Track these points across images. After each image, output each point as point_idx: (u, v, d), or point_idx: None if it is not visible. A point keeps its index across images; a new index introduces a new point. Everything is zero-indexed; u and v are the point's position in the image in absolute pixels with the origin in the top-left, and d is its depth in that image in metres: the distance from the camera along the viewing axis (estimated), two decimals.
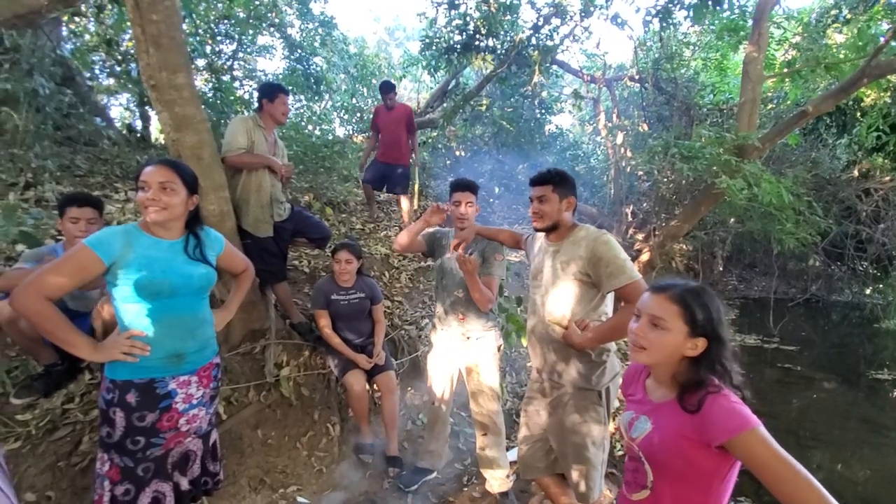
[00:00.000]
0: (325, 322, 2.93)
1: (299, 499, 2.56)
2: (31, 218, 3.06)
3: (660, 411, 1.19)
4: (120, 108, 6.75)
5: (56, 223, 2.66)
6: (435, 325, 2.69)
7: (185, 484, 1.71)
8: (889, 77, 6.33)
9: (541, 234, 2.14)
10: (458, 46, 6.92)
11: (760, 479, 1.01)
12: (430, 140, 7.81)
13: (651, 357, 1.18)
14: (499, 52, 7.02)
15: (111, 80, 6.06)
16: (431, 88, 10.60)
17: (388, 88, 5.22)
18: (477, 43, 6.90)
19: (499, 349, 2.57)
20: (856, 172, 7.93)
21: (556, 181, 1.96)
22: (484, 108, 7.68)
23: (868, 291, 8.89)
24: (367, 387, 2.88)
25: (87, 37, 6.10)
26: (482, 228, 2.51)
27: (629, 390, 1.35)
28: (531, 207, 2.02)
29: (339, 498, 2.63)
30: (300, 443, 2.84)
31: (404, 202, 5.40)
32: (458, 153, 7.57)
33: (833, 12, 8.14)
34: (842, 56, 6.74)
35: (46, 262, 2.22)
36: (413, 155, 5.44)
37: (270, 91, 2.99)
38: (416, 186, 5.77)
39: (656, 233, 6.88)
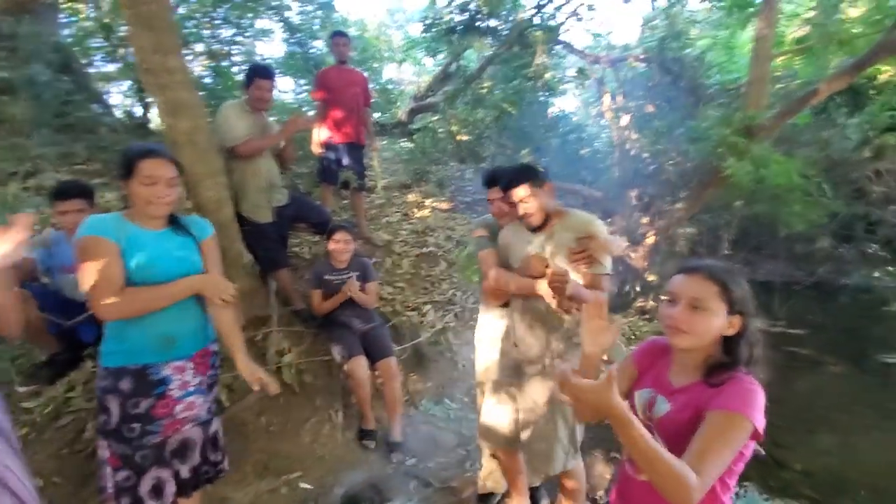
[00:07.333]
0: (317, 299, 2.97)
1: (302, 485, 2.58)
2: (29, 208, 3.05)
3: (682, 393, 1.17)
4: (120, 95, 6.69)
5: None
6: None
7: (185, 472, 1.71)
8: None
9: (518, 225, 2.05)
10: (460, 27, 6.78)
11: (688, 446, 1.03)
12: (430, 125, 7.71)
13: (693, 340, 1.13)
14: (501, 32, 6.87)
15: (110, 67, 6.00)
16: (432, 72, 10.45)
17: (341, 34, 4.12)
18: (478, 24, 6.75)
19: None
20: (867, 153, 7.77)
21: (530, 175, 1.89)
22: (486, 91, 7.54)
23: (877, 274, 8.77)
24: (370, 373, 2.88)
25: (86, 23, 6.03)
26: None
27: (644, 362, 1.32)
28: (518, 209, 1.89)
29: (342, 483, 2.65)
30: (303, 429, 2.85)
31: (359, 202, 4.35)
32: (459, 138, 7.46)
33: None
34: (856, 31, 6.54)
35: (54, 247, 2.32)
36: (370, 135, 4.32)
37: (247, 76, 2.90)
38: (380, 181, 4.35)
39: (661, 216, 6.79)
